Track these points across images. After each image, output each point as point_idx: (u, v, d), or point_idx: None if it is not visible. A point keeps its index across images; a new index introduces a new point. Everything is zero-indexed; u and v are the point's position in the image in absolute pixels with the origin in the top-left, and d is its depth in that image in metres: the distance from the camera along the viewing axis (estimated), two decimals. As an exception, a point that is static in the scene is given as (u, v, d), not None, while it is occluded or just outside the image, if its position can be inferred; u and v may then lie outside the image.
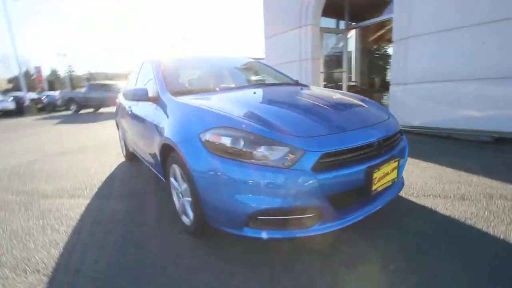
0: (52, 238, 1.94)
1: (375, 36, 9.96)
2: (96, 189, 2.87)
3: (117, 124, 4.11)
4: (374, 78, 10.11)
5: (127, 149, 3.78)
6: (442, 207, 2.05)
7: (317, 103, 1.83)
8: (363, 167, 1.44)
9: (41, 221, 2.21)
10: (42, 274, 1.55)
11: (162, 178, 2.31)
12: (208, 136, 1.49)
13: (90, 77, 47.62)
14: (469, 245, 1.59)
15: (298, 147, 1.34)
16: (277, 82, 2.83)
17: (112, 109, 14.57)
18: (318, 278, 1.39)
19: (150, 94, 2.22)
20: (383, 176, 1.54)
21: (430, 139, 4.19)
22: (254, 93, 2.12)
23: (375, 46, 10.42)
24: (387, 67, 10.28)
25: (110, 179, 3.21)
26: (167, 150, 1.91)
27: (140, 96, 2.22)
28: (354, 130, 1.53)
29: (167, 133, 1.83)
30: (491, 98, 3.72)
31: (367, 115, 1.76)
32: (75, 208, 2.42)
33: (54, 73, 53.90)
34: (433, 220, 1.90)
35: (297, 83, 2.84)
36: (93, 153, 4.66)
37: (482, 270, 1.38)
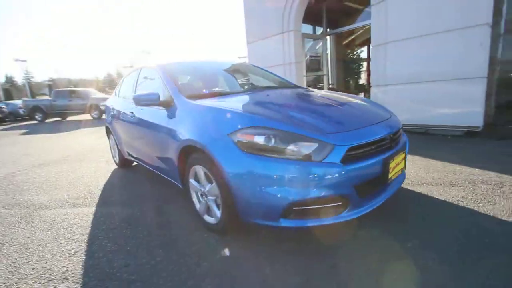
0: (69, 247, 1.88)
1: (346, 42, 10.58)
2: (98, 197, 2.79)
3: (107, 130, 3.98)
4: (349, 81, 10.70)
5: (121, 156, 3.69)
6: (436, 193, 2.30)
7: (330, 103, 1.99)
8: (381, 158, 1.61)
9: (49, 232, 2.12)
10: (72, 282, 1.52)
11: (174, 181, 2.32)
12: (239, 136, 1.57)
13: (53, 83, 44.58)
14: (465, 223, 1.83)
15: (328, 142, 1.48)
16: (279, 85, 2.96)
17: (82, 117, 13.92)
18: (347, 261, 1.52)
19: (161, 99, 2.24)
20: (395, 166, 1.73)
21: (409, 135, 4.56)
22: (267, 95, 2.23)
23: (348, 51, 11.04)
24: (360, 70, 10.94)
25: (109, 187, 3.12)
26: (187, 152, 1.95)
27: (152, 100, 2.21)
28: (370, 126, 1.70)
29: (189, 135, 1.87)
30: (460, 96, 4.17)
31: (376, 113, 1.95)
32: (83, 216, 2.34)
33: (9, 80, 49.69)
34: (431, 204, 2.13)
35: (297, 86, 3.00)
36: (78, 162, 4.45)
37: (480, 243, 1.60)
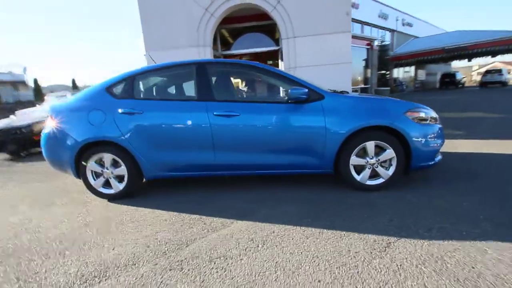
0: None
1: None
2: (209, 221, 2.34)
3: (87, 152, 2.70)
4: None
5: (134, 178, 2.80)
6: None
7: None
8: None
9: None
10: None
11: (318, 170, 2.69)
12: (410, 114, 2.56)
13: None
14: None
15: (435, 113, 2.85)
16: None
17: None
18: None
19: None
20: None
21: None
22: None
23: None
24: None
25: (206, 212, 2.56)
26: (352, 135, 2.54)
27: (304, 95, 2.49)
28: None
29: (363, 119, 2.50)
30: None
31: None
32: (231, 240, 2.10)
33: None
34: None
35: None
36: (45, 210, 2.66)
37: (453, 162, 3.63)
